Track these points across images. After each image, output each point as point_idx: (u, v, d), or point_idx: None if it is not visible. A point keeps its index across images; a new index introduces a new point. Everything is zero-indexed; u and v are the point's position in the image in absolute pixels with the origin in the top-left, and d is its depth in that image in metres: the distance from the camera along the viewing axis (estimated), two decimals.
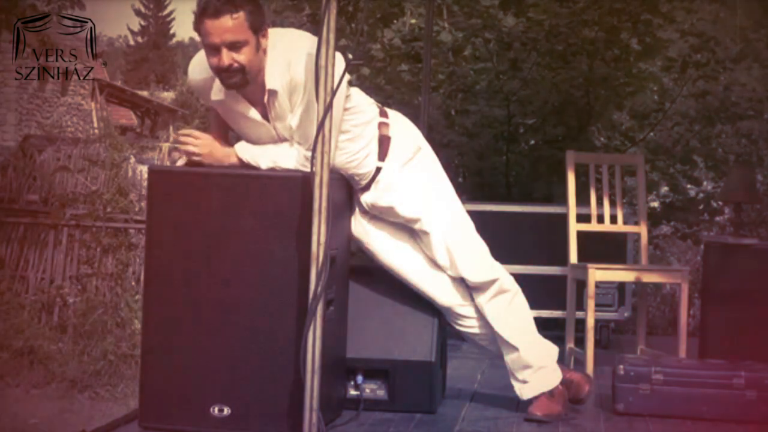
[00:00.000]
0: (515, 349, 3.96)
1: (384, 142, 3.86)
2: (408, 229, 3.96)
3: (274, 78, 3.58)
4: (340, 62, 3.42)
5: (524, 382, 4.00)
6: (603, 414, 4.18)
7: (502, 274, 3.99)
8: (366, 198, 3.91)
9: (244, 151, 3.69)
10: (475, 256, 3.95)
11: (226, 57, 3.52)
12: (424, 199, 3.91)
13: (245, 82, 3.58)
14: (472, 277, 3.93)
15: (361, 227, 3.97)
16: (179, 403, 3.56)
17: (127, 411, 4.96)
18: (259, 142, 3.72)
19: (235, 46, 3.51)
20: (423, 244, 3.95)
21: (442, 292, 3.98)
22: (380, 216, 3.95)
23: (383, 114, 3.91)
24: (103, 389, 8.42)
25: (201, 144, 3.69)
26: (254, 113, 3.67)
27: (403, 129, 3.96)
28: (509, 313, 3.98)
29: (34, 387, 8.52)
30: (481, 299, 3.96)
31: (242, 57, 3.52)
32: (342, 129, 3.71)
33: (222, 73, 3.56)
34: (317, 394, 3.28)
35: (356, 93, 3.84)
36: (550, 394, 3.99)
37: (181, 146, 3.71)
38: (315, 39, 3.46)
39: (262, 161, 3.66)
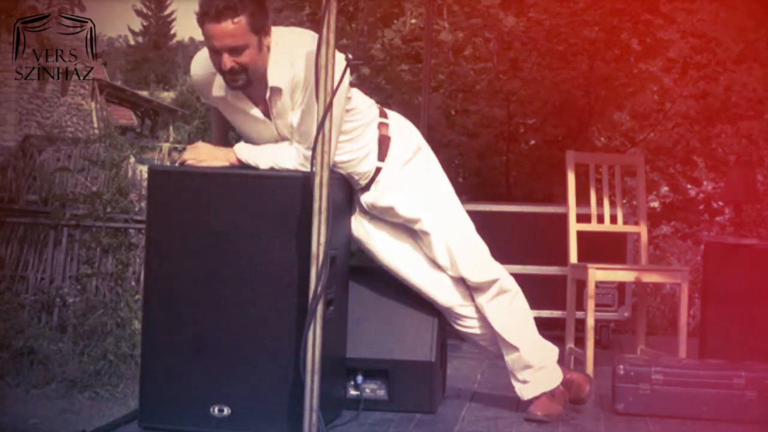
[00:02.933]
0: (516, 348, 3.96)
1: (384, 143, 3.86)
2: (408, 230, 3.96)
3: (276, 76, 3.58)
4: (340, 61, 3.42)
5: (524, 382, 3.99)
6: (603, 414, 4.18)
7: (503, 275, 3.99)
8: (366, 198, 3.91)
9: (243, 151, 3.69)
10: (475, 256, 3.95)
11: (228, 60, 3.52)
12: (424, 200, 3.91)
13: (249, 82, 3.59)
14: (473, 277, 3.93)
15: (361, 227, 3.96)
16: (179, 403, 3.56)
17: (127, 411, 4.95)
18: (260, 139, 3.72)
19: (236, 51, 3.51)
20: (423, 245, 3.95)
21: (443, 293, 3.98)
22: (380, 216, 3.95)
23: (383, 114, 3.91)
24: (103, 389, 8.42)
25: (198, 153, 3.68)
26: (256, 111, 3.67)
27: (403, 129, 3.96)
28: (510, 313, 3.97)
29: (34, 387, 8.51)
30: (482, 299, 3.96)
31: (244, 59, 3.52)
32: (342, 129, 3.71)
33: (225, 74, 3.56)
34: (317, 394, 3.28)
35: (356, 94, 3.84)
36: (551, 394, 3.99)
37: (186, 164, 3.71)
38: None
39: (261, 161, 3.66)
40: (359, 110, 3.80)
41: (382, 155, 3.86)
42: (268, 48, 3.58)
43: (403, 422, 3.86)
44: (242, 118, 3.72)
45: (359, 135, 3.80)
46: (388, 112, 3.96)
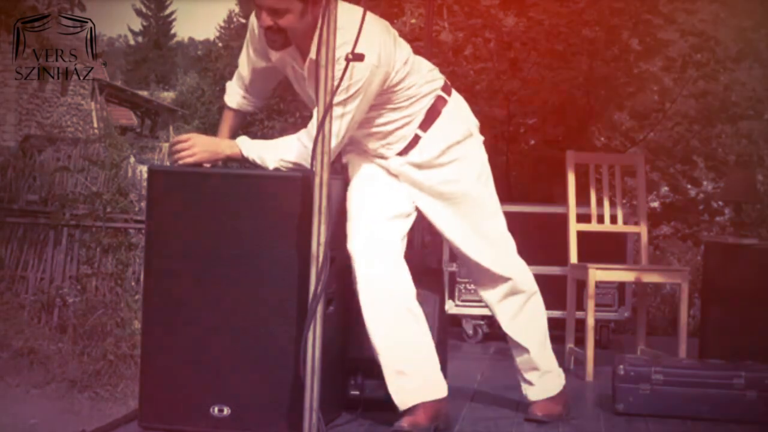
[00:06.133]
0: (526, 350, 3.94)
1: (432, 114, 3.74)
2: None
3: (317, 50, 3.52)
4: (355, 14, 3.38)
5: (530, 383, 3.99)
6: (603, 414, 4.18)
7: (518, 275, 3.91)
8: (409, 170, 3.78)
9: (249, 149, 3.63)
10: (495, 249, 3.87)
11: (266, 19, 3.49)
12: (458, 184, 3.80)
13: (287, 44, 3.57)
14: (486, 263, 3.85)
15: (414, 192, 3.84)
16: (179, 403, 3.55)
17: (127, 411, 4.96)
18: (302, 92, 3.72)
19: (276, 13, 3.47)
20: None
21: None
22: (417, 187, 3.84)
23: (446, 90, 3.80)
24: (103, 389, 8.42)
25: (190, 145, 3.61)
26: (295, 62, 3.64)
27: (459, 111, 3.84)
28: (521, 315, 3.93)
29: (34, 387, 8.52)
30: (492, 298, 3.91)
31: (283, 21, 3.49)
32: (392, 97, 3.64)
33: (264, 32, 3.54)
34: (317, 394, 3.28)
35: (419, 65, 3.74)
36: (552, 396, 3.99)
37: (178, 161, 3.62)
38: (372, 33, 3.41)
39: (268, 159, 3.60)
40: (412, 73, 3.68)
41: (425, 126, 3.74)
42: (316, 19, 3.48)
43: None
44: (288, 68, 3.69)
45: (404, 106, 3.69)
46: (454, 92, 3.86)
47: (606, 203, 5.29)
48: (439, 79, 3.81)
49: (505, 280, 3.89)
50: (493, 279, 3.89)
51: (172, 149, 3.61)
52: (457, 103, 3.85)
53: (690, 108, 8.60)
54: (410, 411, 3.66)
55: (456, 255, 3.96)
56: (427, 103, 3.74)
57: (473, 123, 3.90)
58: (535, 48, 8.01)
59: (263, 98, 4.01)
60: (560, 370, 4.04)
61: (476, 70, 8.55)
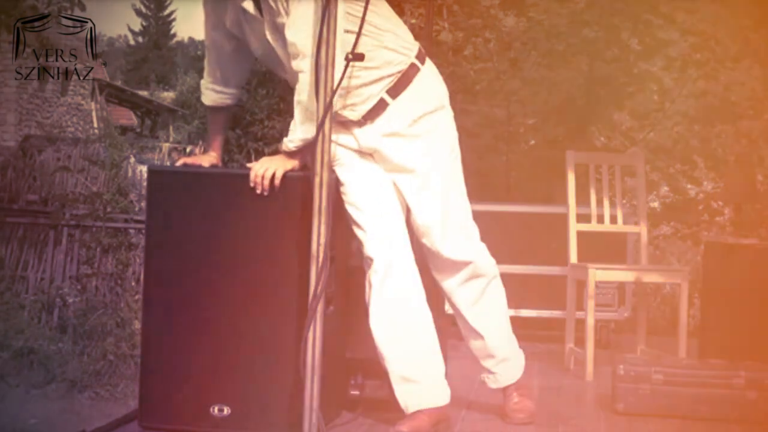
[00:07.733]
0: (480, 336, 3.88)
1: (403, 81, 3.65)
2: (392, 188, 3.75)
3: None
4: None
5: (489, 371, 3.93)
6: (603, 414, 4.18)
7: (479, 258, 3.81)
8: (363, 134, 3.69)
9: (288, 142, 3.55)
10: (456, 230, 3.77)
11: None
12: (429, 158, 3.70)
13: None
14: (445, 251, 3.75)
15: (346, 159, 3.72)
16: (179, 403, 3.55)
17: (127, 411, 4.96)
18: (253, 43, 3.66)
19: None
20: (410, 203, 3.73)
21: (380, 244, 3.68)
22: (375, 159, 3.74)
23: (420, 57, 3.71)
24: (103, 389, 8.42)
25: (269, 165, 3.52)
26: (248, 4, 3.58)
27: (431, 80, 3.74)
28: (481, 299, 3.85)
29: (34, 387, 8.52)
30: (452, 283, 3.81)
31: None
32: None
33: None
34: (317, 394, 3.28)
35: (393, 33, 3.70)
36: (516, 387, 3.93)
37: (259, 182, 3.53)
38: None
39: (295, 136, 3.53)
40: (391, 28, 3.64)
41: (394, 92, 3.65)
42: None
43: None
44: (246, 28, 3.62)
45: (375, 63, 3.60)
46: (428, 61, 3.76)
47: (606, 203, 5.29)
48: (413, 45, 3.73)
49: (466, 264, 3.79)
50: (454, 264, 3.79)
51: (259, 180, 3.51)
52: (429, 72, 3.75)
53: (690, 108, 8.61)
54: (413, 415, 3.67)
55: (417, 235, 3.77)
56: (398, 66, 3.65)
57: (445, 93, 3.79)
58: (535, 48, 8.02)
59: (238, 88, 3.91)
60: (520, 354, 3.95)
61: (476, 70, 8.56)
